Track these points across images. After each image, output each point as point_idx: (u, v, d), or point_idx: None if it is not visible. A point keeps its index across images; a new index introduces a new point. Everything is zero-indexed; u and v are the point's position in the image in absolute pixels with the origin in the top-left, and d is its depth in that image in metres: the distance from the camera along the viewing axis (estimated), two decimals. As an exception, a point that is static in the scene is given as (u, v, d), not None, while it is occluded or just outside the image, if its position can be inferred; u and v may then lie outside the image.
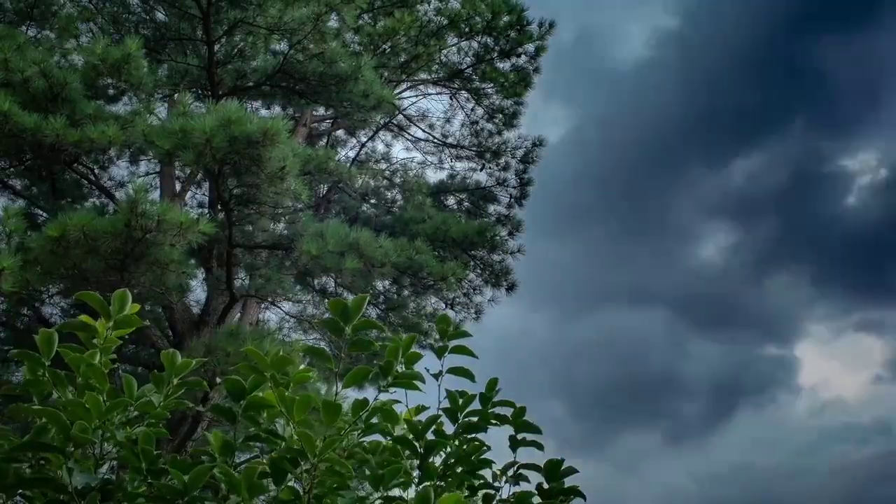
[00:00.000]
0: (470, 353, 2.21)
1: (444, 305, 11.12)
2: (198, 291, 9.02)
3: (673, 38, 26.75)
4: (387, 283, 10.26)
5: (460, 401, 2.23)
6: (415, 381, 2.08)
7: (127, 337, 2.14)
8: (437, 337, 2.25)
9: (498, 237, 10.72)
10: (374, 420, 2.06)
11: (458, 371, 2.22)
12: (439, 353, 2.20)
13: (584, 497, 2.27)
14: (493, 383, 2.27)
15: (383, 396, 2.09)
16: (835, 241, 25.55)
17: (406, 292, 10.43)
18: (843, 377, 27.29)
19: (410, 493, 2.04)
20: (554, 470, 2.27)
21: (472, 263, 10.91)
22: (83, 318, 2.03)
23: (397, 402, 2.11)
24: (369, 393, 2.06)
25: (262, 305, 9.69)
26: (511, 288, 11.08)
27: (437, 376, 2.18)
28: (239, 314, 9.09)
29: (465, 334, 2.22)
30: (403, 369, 2.07)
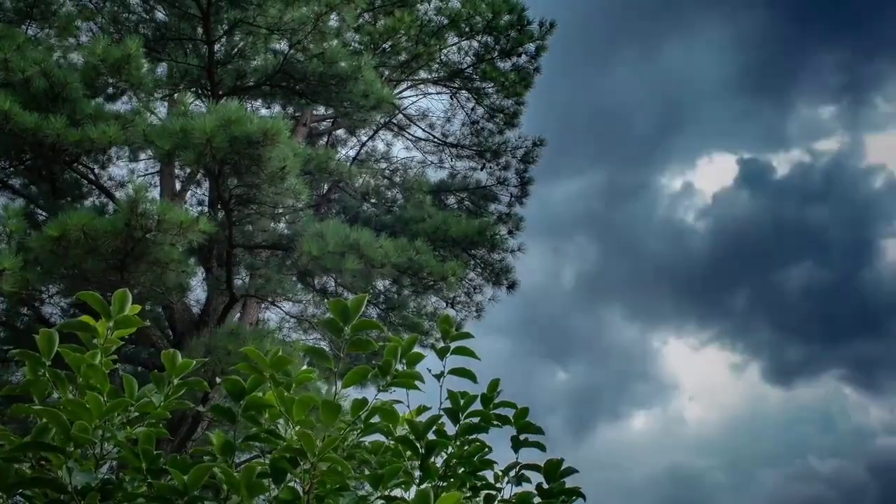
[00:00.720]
0: (472, 355, 2.21)
1: (444, 305, 11.13)
2: (198, 291, 9.03)
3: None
4: (387, 282, 10.26)
5: (461, 401, 2.23)
6: (414, 381, 2.08)
7: (127, 337, 2.14)
8: (439, 336, 2.25)
9: (498, 236, 10.72)
10: (374, 420, 2.05)
11: (459, 372, 2.22)
12: (441, 353, 2.19)
13: (584, 497, 2.27)
14: (494, 384, 2.27)
15: (387, 397, 2.09)
16: (659, 262, 25.49)
17: (406, 292, 10.43)
18: (704, 392, 27.29)
19: (412, 493, 2.04)
20: (553, 470, 2.27)
21: (472, 262, 10.91)
22: (84, 318, 2.03)
23: (398, 402, 2.11)
24: (371, 393, 2.06)
25: (262, 305, 9.69)
26: (511, 286, 11.09)
27: (438, 377, 2.18)
28: (239, 314, 9.09)
29: (468, 335, 2.22)
30: (405, 369, 2.07)
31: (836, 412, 25.07)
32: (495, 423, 2.25)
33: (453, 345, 2.21)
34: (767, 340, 25.68)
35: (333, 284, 10.35)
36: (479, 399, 2.25)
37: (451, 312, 11.14)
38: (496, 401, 2.26)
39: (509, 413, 2.28)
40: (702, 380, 26.88)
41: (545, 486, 2.26)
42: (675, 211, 26.39)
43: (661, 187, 26.66)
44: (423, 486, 2.05)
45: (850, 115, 27.97)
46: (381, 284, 10.48)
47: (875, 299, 24.65)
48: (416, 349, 2.12)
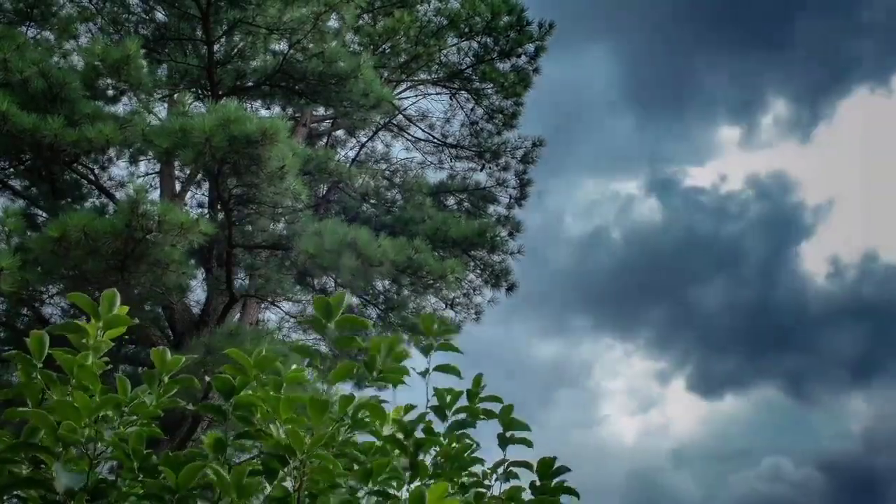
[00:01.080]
0: (455, 350, 2.22)
1: (444, 305, 11.13)
2: (198, 291, 9.04)
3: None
4: (387, 282, 10.27)
5: (448, 398, 2.25)
6: (401, 377, 2.09)
7: (127, 337, 2.16)
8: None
9: (498, 237, 10.72)
10: (362, 415, 2.07)
11: (444, 368, 2.24)
12: (425, 350, 2.21)
13: (577, 496, 2.28)
14: (478, 379, 2.29)
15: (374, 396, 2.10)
16: (569, 274, 24.97)
17: (406, 292, 10.43)
18: (627, 403, 27.04)
19: (403, 492, 2.05)
20: (546, 468, 2.28)
21: (472, 264, 10.92)
22: (74, 321, 2.04)
23: (385, 401, 2.12)
24: (366, 394, 2.07)
25: (262, 305, 9.70)
26: (511, 288, 11.09)
27: (424, 374, 2.20)
28: (239, 314, 9.10)
29: (451, 331, 2.23)
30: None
31: (768, 421, 25.18)
32: (482, 416, 2.27)
33: (437, 342, 2.23)
34: (690, 353, 25.63)
35: (333, 285, 10.36)
36: (464, 394, 2.27)
37: (449, 314, 11.16)
38: (481, 395, 2.28)
39: (496, 407, 2.30)
40: (626, 391, 26.62)
41: (538, 483, 2.28)
42: (583, 223, 26.05)
43: (570, 199, 26.36)
44: (414, 485, 2.07)
45: (760, 130, 28.08)
46: (380, 285, 10.50)
47: (792, 312, 24.83)
48: (410, 350, 2.13)
